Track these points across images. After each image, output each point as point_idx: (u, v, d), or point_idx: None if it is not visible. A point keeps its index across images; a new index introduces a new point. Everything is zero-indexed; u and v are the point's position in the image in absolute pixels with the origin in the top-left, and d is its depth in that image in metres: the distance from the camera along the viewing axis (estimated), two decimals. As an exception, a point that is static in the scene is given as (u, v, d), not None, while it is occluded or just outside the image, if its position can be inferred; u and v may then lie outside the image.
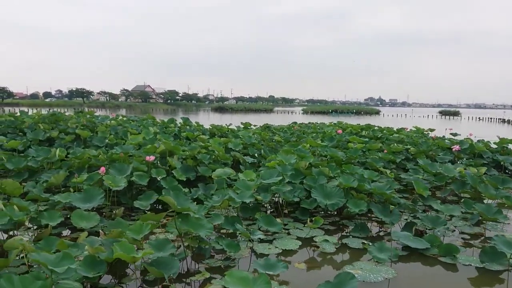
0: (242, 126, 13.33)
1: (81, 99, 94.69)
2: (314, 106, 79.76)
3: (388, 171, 6.26)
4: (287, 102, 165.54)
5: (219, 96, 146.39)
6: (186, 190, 5.52)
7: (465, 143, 8.82)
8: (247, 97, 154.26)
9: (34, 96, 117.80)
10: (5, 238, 3.95)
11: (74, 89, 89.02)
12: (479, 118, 50.27)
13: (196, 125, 11.52)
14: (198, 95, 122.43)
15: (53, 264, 2.54)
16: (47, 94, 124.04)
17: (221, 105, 78.79)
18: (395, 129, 12.08)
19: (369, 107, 78.56)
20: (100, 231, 3.91)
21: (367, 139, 9.08)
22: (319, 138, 9.69)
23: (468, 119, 50.46)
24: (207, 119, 34.60)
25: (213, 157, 6.80)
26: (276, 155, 6.57)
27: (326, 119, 27.20)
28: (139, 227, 3.56)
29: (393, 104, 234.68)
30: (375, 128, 11.82)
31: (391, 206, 4.94)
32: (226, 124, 12.66)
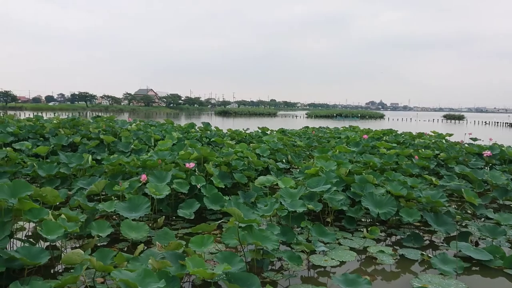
0: (259, 130, 13.20)
1: (83, 103, 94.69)
2: (318, 110, 79.62)
3: (433, 179, 6.09)
4: (289, 106, 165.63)
5: (221, 100, 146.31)
6: (227, 198, 5.36)
7: (495, 149, 8.66)
8: (249, 100, 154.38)
9: (36, 100, 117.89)
10: (51, 250, 3.79)
11: (77, 93, 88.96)
12: (485, 122, 50.09)
13: (215, 129, 11.36)
14: (201, 99, 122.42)
15: (141, 283, 2.38)
16: (49, 98, 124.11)
17: (224, 109, 78.70)
18: (414, 133, 11.93)
19: (374, 111, 78.51)
20: (157, 243, 3.75)
21: (394, 145, 8.91)
22: (343, 143, 9.53)
23: (474, 123, 50.26)
24: (220, 124, 34.40)
25: (247, 163, 6.65)
26: (314, 162, 6.40)
27: (332, 123, 27.01)
28: (201, 240, 3.40)
29: (394, 108, 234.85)
30: (397, 133, 11.66)
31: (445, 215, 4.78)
32: (243, 129, 12.52)
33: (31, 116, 15.28)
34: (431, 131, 13.05)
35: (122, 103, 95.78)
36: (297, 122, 45.79)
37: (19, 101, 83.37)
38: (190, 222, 5.20)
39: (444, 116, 64.36)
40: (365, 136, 9.68)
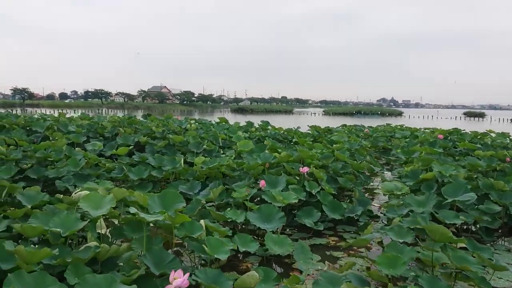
0: (309, 128, 12.74)
1: (97, 99, 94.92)
2: (335, 108, 78.74)
3: None
4: (301, 103, 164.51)
5: (234, 97, 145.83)
6: (344, 205, 4.93)
7: None
8: (260, 97, 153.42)
9: (50, 97, 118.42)
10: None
11: (92, 90, 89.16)
12: (510, 119, 49.05)
13: (272, 128, 10.92)
14: (213, 96, 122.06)
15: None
16: (63, 95, 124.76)
17: (240, 106, 78.23)
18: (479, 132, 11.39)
19: (392, 109, 77.42)
20: (327, 263, 3.32)
21: (479, 145, 8.41)
22: (417, 143, 9.03)
23: (499, 120, 49.24)
24: (242, 121, 33.95)
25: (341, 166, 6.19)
26: (417, 165, 5.92)
27: (353, 121, 26.33)
28: (394, 260, 2.94)
29: (406, 105, 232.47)
30: (463, 132, 11.14)
31: None
32: (294, 128, 12.07)
33: (48, 112, 14.94)
34: (486, 130, 12.50)
35: (135, 100, 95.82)
36: (317, 119, 45.23)
37: (35, 98, 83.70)
38: (305, 231, 4.77)
39: (465, 114, 63.26)
40: (441, 136, 9.17)
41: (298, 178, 5.20)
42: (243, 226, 4.49)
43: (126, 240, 3.59)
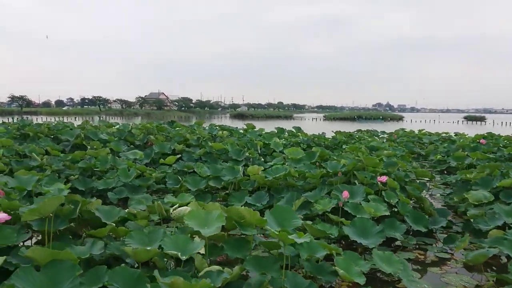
0: (334, 134, 12.45)
1: (93, 107, 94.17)
2: (336, 113, 78.52)
3: None
4: (298, 108, 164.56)
5: (231, 102, 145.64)
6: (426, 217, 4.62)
7: None
8: (257, 103, 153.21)
9: (46, 104, 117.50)
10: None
11: (90, 97, 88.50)
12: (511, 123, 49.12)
13: (303, 135, 10.62)
14: (211, 101, 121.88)
15: None
16: (58, 102, 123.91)
17: (240, 112, 77.92)
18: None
19: (392, 113, 77.37)
20: None
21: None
22: (458, 149, 8.76)
23: (502, 124, 49.25)
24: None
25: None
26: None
27: (355, 126, 26.00)
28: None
29: (402, 109, 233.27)
30: (497, 136, 10.89)
31: None
32: (321, 133, 11.78)
33: (47, 120, 14.48)
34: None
35: (133, 107, 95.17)
36: (320, 125, 45.00)
37: (33, 106, 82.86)
38: (385, 244, 4.45)
39: (465, 118, 63.31)
40: (483, 141, 8.90)
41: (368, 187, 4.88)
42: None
43: (227, 261, 3.27)
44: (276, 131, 10.39)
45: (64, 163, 6.34)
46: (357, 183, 4.89)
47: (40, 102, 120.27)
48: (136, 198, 4.86)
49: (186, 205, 3.53)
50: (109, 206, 3.72)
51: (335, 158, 6.24)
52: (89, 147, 7.84)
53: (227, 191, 5.42)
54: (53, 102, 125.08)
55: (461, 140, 9.62)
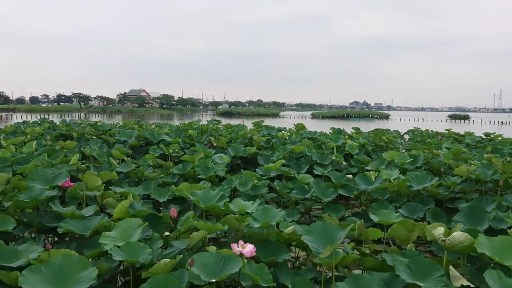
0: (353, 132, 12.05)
1: (70, 103, 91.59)
2: (323, 111, 78.67)
3: None
4: (278, 106, 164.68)
5: (212, 100, 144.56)
6: None
7: None
8: (237, 101, 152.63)
9: (20, 101, 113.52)
10: None
11: (68, 94, 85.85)
12: (501, 122, 50.36)
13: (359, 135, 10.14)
14: (192, 99, 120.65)
15: None
16: (33, 99, 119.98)
17: (227, 110, 77.10)
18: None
19: (379, 112, 78.12)
20: None
21: None
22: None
23: (490, 123, 50.39)
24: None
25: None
26: None
27: (347, 124, 25.71)
28: None
29: (379, 108, 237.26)
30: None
31: None
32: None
33: (26, 118, 13.63)
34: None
35: (111, 105, 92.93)
36: (312, 123, 44.81)
37: (11, 103, 79.66)
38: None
39: (450, 116, 64.57)
40: None
41: None
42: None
43: None
44: (333, 132, 9.88)
45: (154, 170, 5.67)
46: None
47: (14, 99, 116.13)
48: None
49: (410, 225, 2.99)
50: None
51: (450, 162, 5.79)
52: (150, 149, 7.18)
53: (353, 201, 4.90)
54: (27, 99, 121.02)
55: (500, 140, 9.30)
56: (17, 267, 2.33)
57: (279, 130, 10.01)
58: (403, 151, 8.21)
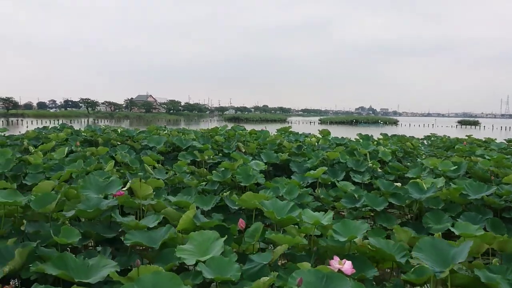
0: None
1: (77, 109, 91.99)
2: (332, 117, 78.45)
3: None
4: (284, 111, 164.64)
5: (218, 105, 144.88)
6: None
7: None
8: (242, 106, 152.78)
9: (28, 106, 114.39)
10: None
11: (77, 99, 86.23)
12: (506, 127, 49.88)
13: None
14: (199, 104, 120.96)
15: None
16: (41, 105, 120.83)
17: (235, 115, 77.08)
18: None
19: (388, 117, 77.72)
20: None
21: None
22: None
23: (501, 129, 49.92)
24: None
25: None
26: None
27: (357, 130, 25.46)
28: None
29: (385, 113, 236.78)
30: None
31: None
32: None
33: (36, 123, 13.50)
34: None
35: (118, 110, 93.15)
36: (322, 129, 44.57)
37: (20, 108, 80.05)
38: None
39: (459, 122, 64.14)
40: None
41: None
42: None
43: None
44: (360, 139, 9.70)
45: (192, 177, 5.52)
46: None
47: (22, 104, 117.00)
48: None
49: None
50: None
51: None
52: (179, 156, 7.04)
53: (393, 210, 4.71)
54: (35, 105, 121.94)
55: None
56: (96, 284, 2.18)
57: (306, 136, 9.84)
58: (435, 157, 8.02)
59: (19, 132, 9.81)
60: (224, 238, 2.44)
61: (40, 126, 11.22)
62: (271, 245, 3.20)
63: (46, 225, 3.27)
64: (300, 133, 10.39)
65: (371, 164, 6.81)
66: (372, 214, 4.82)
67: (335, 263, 2.10)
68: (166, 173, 5.91)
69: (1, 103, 69.69)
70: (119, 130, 9.62)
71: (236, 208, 4.44)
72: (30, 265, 2.42)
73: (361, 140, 10.47)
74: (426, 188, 4.65)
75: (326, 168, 5.77)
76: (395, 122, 63.91)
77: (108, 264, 2.38)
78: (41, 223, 3.26)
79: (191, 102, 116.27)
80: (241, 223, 2.92)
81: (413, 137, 15.70)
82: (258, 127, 12.89)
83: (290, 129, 10.00)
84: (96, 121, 58.79)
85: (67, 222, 3.38)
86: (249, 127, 11.52)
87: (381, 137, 10.11)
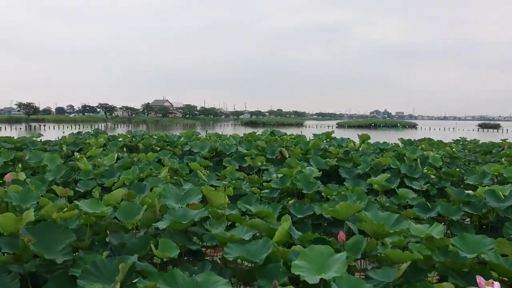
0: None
1: (94, 114, 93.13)
2: (350, 121, 77.84)
3: None
4: (299, 115, 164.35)
5: (233, 110, 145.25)
6: None
7: None
8: (257, 110, 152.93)
9: (47, 111, 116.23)
10: None
11: (95, 104, 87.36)
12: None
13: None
14: (215, 109, 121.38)
15: None
16: (59, 110, 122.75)
17: (252, 120, 77.00)
18: None
19: (406, 121, 76.76)
20: None
21: None
22: None
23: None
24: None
25: None
26: None
27: (377, 134, 25.00)
28: None
29: (400, 117, 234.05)
30: None
31: None
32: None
33: (57, 128, 13.46)
34: None
35: (134, 115, 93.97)
36: (342, 133, 44.22)
37: (40, 113, 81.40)
38: None
39: (479, 125, 62.92)
40: None
41: None
42: None
43: None
44: (401, 144, 9.44)
45: (251, 185, 5.36)
46: None
47: (41, 109, 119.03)
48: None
49: None
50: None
51: None
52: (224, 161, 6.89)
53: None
54: (53, 110, 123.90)
55: None
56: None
57: (350, 141, 9.61)
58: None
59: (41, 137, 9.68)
60: (343, 254, 2.25)
61: (61, 131, 11.23)
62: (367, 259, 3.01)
63: (126, 236, 3.15)
64: (339, 138, 10.15)
65: (426, 170, 6.57)
66: (443, 223, 4.59)
67: (483, 284, 1.90)
68: (217, 179, 5.77)
69: (22, 108, 70.91)
70: (155, 136, 9.53)
71: (301, 216, 4.29)
72: (134, 281, 2.28)
73: (401, 145, 10.23)
74: (503, 197, 4.41)
75: (389, 175, 5.53)
76: (414, 126, 62.99)
77: (219, 282, 2.22)
78: (122, 234, 3.13)
79: (207, 107, 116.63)
80: (341, 235, 2.73)
81: (441, 141, 15.35)
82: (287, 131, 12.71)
83: (333, 134, 9.77)
84: (115, 126, 59.41)
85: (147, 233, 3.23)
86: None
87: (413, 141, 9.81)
